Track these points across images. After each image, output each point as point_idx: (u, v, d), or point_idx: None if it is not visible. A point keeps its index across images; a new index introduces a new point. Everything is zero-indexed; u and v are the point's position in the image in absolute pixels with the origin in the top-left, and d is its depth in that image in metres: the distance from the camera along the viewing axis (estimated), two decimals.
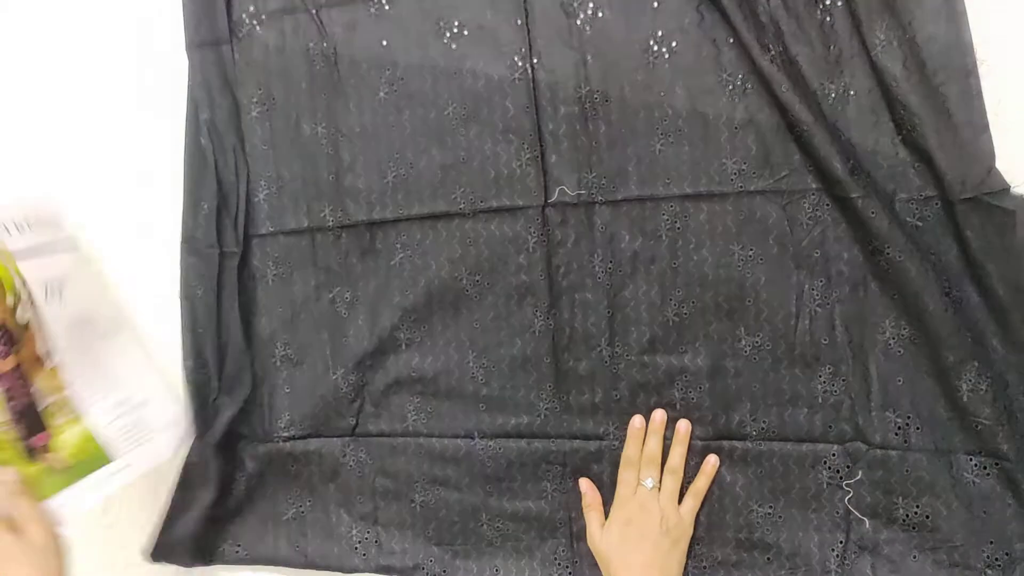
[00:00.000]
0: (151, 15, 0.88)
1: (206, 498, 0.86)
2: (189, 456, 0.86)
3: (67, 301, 0.69)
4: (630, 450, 0.79)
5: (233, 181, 0.86)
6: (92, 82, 0.90)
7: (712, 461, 0.78)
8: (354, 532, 0.87)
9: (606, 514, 0.80)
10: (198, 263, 0.86)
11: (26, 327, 0.67)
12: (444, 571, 0.86)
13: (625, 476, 0.79)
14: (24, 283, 0.67)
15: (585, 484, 0.81)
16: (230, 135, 0.85)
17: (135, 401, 0.73)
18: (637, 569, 0.74)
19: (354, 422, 0.86)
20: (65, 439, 0.71)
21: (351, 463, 0.87)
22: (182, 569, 0.90)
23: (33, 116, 0.92)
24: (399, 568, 0.85)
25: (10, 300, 0.66)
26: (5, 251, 0.67)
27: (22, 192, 0.68)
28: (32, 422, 0.69)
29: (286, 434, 0.87)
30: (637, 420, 0.79)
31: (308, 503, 0.88)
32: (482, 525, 0.85)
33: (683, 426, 0.79)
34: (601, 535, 0.78)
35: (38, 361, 0.68)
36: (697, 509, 0.78)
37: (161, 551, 0.89)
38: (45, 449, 0.70)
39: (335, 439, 0.87)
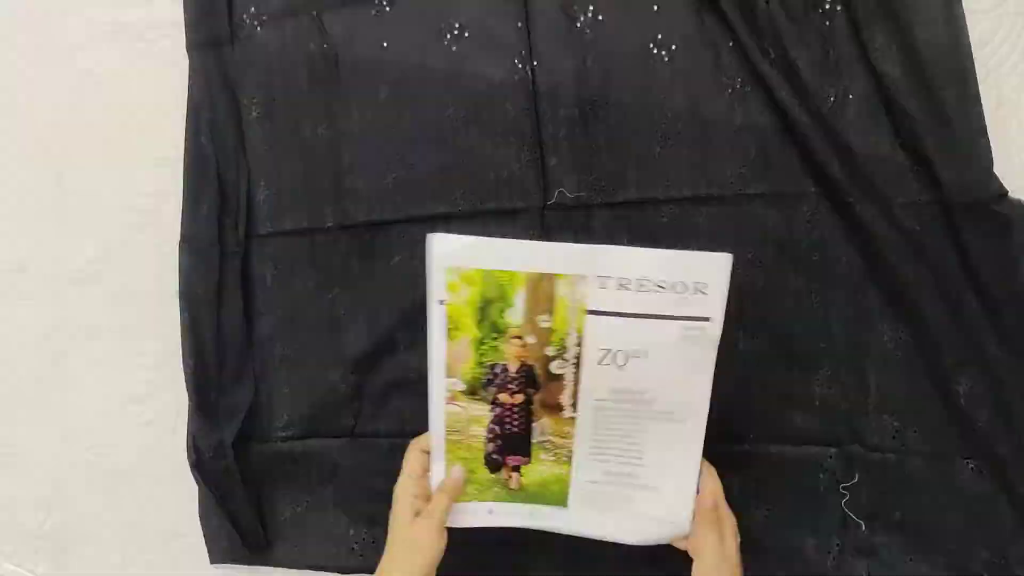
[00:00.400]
0: (152, 15, 0.88)
1: (235, 497, 0.87)
2: (210, 458, 0.87)
3: (627, 373, 0.69)
4: None
5: (234, 181, 0.86)
6: (93, 81, 0.90)
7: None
8: (352, 533, 0.87)
9: None
10: (198, 262, 0.86)
11: (558, 377, 0.70)
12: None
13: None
14: (580, 341, 0.69)
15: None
16: (231, 135, 0.86)
17: (642, 481, 0.72)
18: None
19: (352, 423, 0.87)
20: (539, 471, 0.74)
21: (349, 464, 0.87)
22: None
23: (32, 115, 0.92)
24: None
25: (549, 351, 0.69)
26: (582, 307, 0.68)
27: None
28: (515, 445, 0.73)
29: (284, 434, 0.88)
30: None
31: (306, 503, 0.88)
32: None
33: None
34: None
35: (556, 407, 0.71)
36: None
37: (217, 554, 0.90)
38: (513, 469, 0.74)
39: (333, 440, 0.87)
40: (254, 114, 0.86)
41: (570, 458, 0.73)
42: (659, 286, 0.66)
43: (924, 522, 0.75)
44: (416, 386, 0.83)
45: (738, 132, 0.76)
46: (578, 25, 0.78)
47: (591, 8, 0.78)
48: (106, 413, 0.93)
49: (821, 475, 0.77)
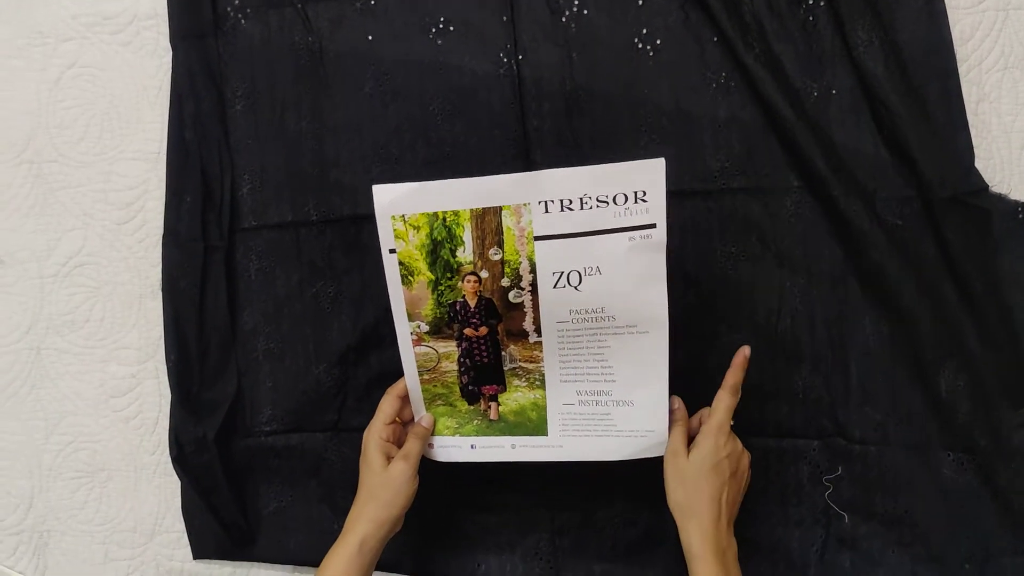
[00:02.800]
0: (136, 7, 0.87)
1: (217, 491, 0.87)
2: (192, 452, 0.86)
3: (583, 292, 0.69)
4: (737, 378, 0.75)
5: (217, 174, 0.85)
6: (75, 73, 0.89)
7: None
8: (336, 527, 0.86)
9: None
10: (181, 256, 0.86)
11: (517, 306, 0.72)
12: (426, 566, 0.86)
13: (731, 402, 0.73)
14: (533, 268, 0.70)
15: (676, 400, 0.75)
16: (214, 128, 0.85)
17: (615, 397, 0.73)
18: (725, 507, 0.70)
19: (336, 417, 0.86)
20: (515, 398, 0.76)
21: (333, 458, 0.86)
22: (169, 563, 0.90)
23: (14, 107, 0.91)
24: (381, 563, 0.85)
25: (504, 282, 0.71)
26: (529, 234, 0.69)
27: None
28: (488, 374, 0.76)
29: (268, 428, 0.87)
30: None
31: (289, 497, 0.88)
32: (464, 520, 0.85)
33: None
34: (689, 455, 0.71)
35: (520, 334, 0.73)
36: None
37: (200, 549, 0.90)
38: (490, 399, 0.76)
39: (317, 434, 0.87)
40: (238, 107, 0.85)
41: (543, 382, 0.75)
42: (600, 201, 0.67)
43: (906, 514, 0.76)
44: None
45: (722, 126, 0.77)
46: (563, 19, 0.78)
47: (576, 2, 0.78)
48: (88, 407, 0.92)
49: (804, 467, 0.78)
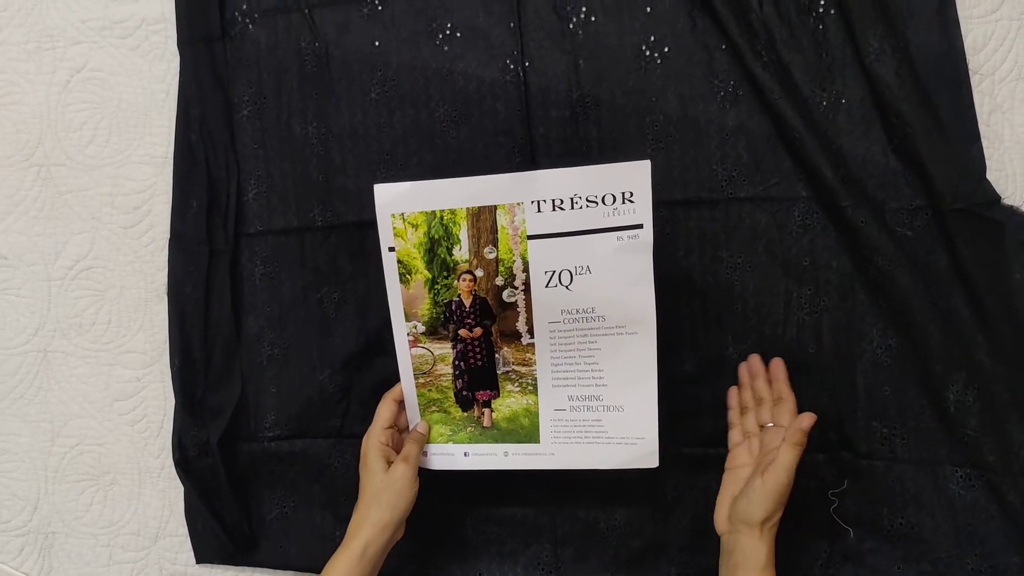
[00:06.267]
0: (144, 11, 0.87)
1: (220, 496, 0.87)
2: (195, 456, 0.87)
3: (574, 292, 0.71)
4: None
5: (224, 179, 0.85)
6: (83, 77, 0.90)
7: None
8: (338, 533, 0.86)
9: None
10: (186, 260, 0.86)
11: (511, 305, 0.73)
12: (428, 574, 0.85)
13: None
14: (526, 266, 0.71)
15: (807, 417, 0.69)
16: (221, 133, 0.85)
17: (606, 402, 0.74)
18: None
19: (340, 423, 0.86)
20: (508, 404, 0.77)
21: (336, 464, 0.86)
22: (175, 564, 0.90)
23: (22, 111, 0.91)
24: (383, 571, 0.84)
25: (499, 281, 0.73)
26: (523, 233, 0.71)
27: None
28: (482, 379, 0.77)
29: (271, 434, 0.87)
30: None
31: (292, 503, 0.88)
32: (467, 529, 0.84)
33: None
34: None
35: (514, 335, 0.74)
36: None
37: (202, 553, 0.90)
38: (484, 405, 0.77)
39: (321, 440, 0.86)
40: (244, 112, 0.85)
41: (535, 387, 0.75)
42: (590, 201, 0.68)
43: (912, 529, 0.74)
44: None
45: (729, 135, 0.76)
46: (570, 26, 0.78)
47: (583, 9, 0.78)
48: (93, 411, 0.93)
49: (810, 481, 0.77)
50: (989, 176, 0.71)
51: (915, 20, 0.72)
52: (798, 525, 0.77)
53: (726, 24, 0.75)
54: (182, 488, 0.90)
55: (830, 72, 0.74)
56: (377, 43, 0.82)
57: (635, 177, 0.67)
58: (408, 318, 0.75)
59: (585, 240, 0.69)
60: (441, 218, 0.72)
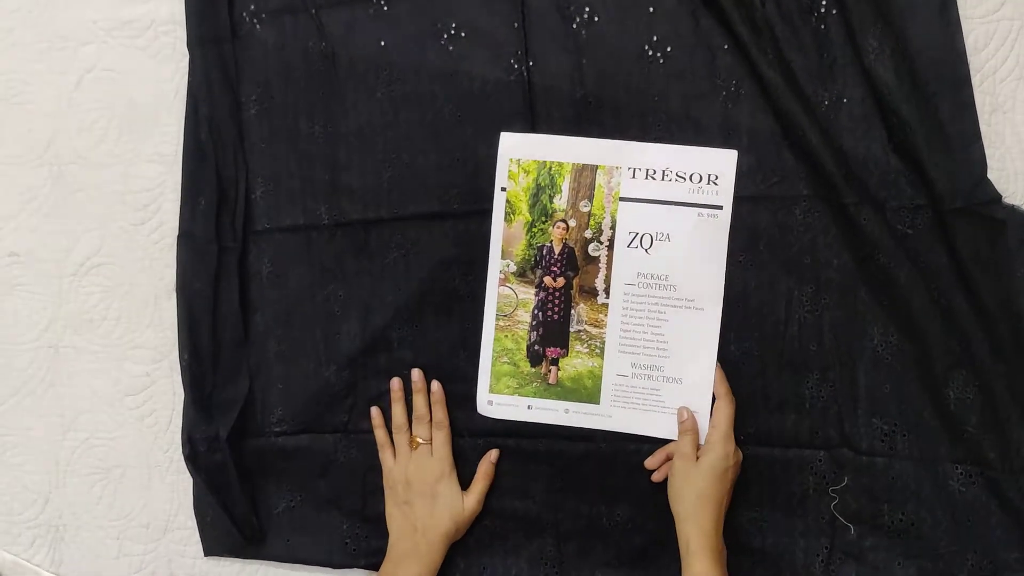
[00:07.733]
0: (153, 12, 0.89)
1: (229, 489, 0.87)
2: (204, 451, 0.87)
3: (652, 256, 0.77)
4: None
5: (232, 177, 0.86)
6: (93, 77, 0.91)
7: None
8: (345, 528, 0.87)
9: None
10: (195, 258, 0.87)
11: (594, 260, 0.79)
12: None
13: (730, 411, 0.76)
14: (614, 224, 0.78)
15: (685, 411, 0.77)
16: (229, 131, 0.86)
17: (666, 373, 0.78)
18: (722, 512, 0.74)
19: (346, 419, 0.87)
20: (574, 364, 0.81)
21: (342, 459, 0.87)
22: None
23: (33, 110, 0.93)
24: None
25: (587, 234, 0.79)
26: (616, 193, 0.78)
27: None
28: (555, 336, 0.81)
29: (278, 429, 0.88)
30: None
31: (299, 498, 0.89)
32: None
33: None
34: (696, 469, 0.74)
35: (591, 292, 0.80)
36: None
37: (211, 546, 0.91)
38: (552, 363, 0.82)
39: (327, 435, 0.87)
40: (252, 111, 0.86)
41: (602, 350, 0.80)
42: (679, 176, 0.77)
43: (913, 526, 0.75)
44: (409, 383, 0.84)
45: (732, 134, 0.77)
46: (574, 26, 0.79)
47: (587, 9, 0.78)
48: (103, 405, 0.94)
49: (810, 478, 0.77)
50: (990, 175, 0.71)
51: (916, 20, 0.72)
52: (798, 522, 0.78)
53: (729, 24, 0.75)
54: (191, 482, 0.91)
55: (832, 71, 0.75)
56: (383, 43, 0.83)
57: (723, 162, 0.76)
58: (503, 256, 0.81)
59: (669, 210, 0.77)
60: (550, 169, 0.80)
